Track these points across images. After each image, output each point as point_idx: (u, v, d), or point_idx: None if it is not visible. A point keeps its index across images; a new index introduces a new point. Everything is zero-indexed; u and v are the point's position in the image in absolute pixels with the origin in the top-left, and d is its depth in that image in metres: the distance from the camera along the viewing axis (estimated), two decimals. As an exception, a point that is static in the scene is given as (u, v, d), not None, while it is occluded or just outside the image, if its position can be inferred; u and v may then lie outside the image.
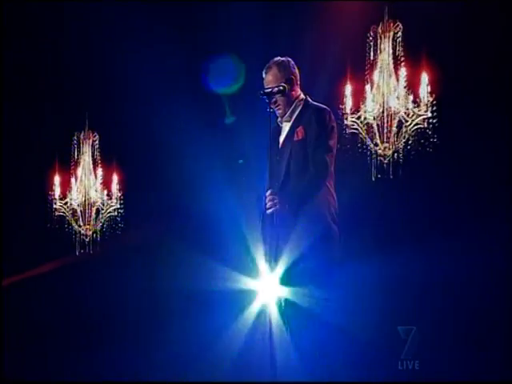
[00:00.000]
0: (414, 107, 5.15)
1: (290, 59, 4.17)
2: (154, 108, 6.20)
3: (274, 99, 4.04)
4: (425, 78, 5.08)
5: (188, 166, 6.19)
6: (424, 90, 5.09)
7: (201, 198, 6.09)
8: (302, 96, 4.16)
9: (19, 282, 6.25)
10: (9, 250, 6.22)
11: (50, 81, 6.31)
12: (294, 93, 4.13)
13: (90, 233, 6.08)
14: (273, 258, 3.94)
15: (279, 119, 4.18)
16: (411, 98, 5.16)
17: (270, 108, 3.99)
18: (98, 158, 6.20)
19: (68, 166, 6.14)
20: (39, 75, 6.30)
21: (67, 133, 6.18)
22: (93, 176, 6.15)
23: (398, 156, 5.27)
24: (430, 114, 5.10)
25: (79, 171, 6.14)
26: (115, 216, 6.10)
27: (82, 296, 6.26)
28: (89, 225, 6.08)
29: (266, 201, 3.93)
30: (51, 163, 6.10)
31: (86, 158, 6.15)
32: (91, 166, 6.17)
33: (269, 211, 3.93)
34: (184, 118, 6.07)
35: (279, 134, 4.21)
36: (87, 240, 6.06)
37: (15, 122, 6.24)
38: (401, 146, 5.26)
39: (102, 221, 6.10)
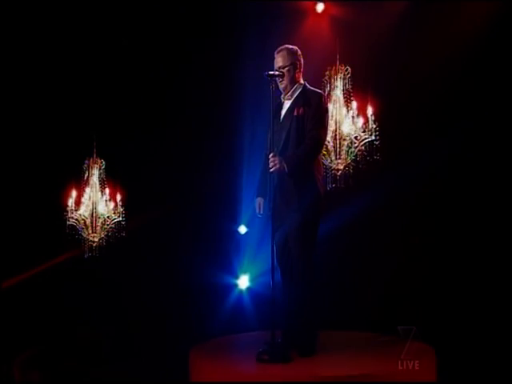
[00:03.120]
0: (361, 131, 5.88)
1: (297, 49, 4.92)
2: (150, 136, 7.08)
3: (280, 77, 4.76)
4: (369, 107, 5.85)
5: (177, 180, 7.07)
6: (369, 117, 5.85)
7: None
8: (302, 81, 4.91)
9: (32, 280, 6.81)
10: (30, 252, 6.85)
11: (67, 115, 7.10)
12: (296, 75, 4.85)
13: (97, 239, 6.80)
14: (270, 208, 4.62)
15: (282, 95, 4.91)
16: (359, 123, 5.89)
17: (272, 87, 4.69)
18: (104, 178, 6.97)
19: (79, 185, 6.89)
20: (59, 113, 7.08)
21: (79, 158, 6.93)
22: (99, 193, 6.90)
23: (348, 169, 5.96)
24: (373, 137, 5.80)
25: (88, 189, 6.89)
26: (118, 225, 6.85)
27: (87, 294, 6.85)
28: (96, 233, 6.81)
29: (269, 162, 4.62)
30: (66, 183, 6.80)
31: (94, 179, 6.92)
32: (98, 185, 6.94)
33: (271, 170, 4.61)
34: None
35: (281, 108, 4.92)
36: (94, 245, 6.80)
37: (38, 151, 6.98)
38: (350, 162, 5.94)
39: (107, 229, 6.85)
